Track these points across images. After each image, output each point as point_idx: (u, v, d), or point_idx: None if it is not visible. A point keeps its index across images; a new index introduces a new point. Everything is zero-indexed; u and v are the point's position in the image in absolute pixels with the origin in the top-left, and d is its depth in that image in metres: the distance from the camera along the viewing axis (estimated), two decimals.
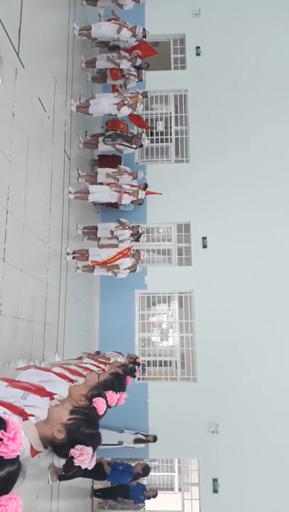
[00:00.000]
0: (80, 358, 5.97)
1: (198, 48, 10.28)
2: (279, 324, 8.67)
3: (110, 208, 8.78)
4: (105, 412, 2.17)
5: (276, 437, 8.25)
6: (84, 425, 1.67)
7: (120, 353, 6.25)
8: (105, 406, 2.15)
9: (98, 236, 7.71)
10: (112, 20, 8.17)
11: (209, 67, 10.09)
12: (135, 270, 7.68)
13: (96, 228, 7.71)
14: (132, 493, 8.02)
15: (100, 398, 2.11)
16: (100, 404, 2.08)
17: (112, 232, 7.58)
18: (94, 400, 2.10)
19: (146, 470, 7.76)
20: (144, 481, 9.42)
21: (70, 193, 6.68)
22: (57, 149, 6.11)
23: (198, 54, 10.28)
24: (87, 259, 7.06)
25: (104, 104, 7.28)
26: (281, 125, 9.66)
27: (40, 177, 5.37)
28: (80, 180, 7.52)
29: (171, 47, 10.61)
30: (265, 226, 9.12)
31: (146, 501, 8.43)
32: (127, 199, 7.35)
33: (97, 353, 6.26)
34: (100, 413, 2.12)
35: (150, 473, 9.93)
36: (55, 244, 6.06)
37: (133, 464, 8.22)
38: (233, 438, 8.34)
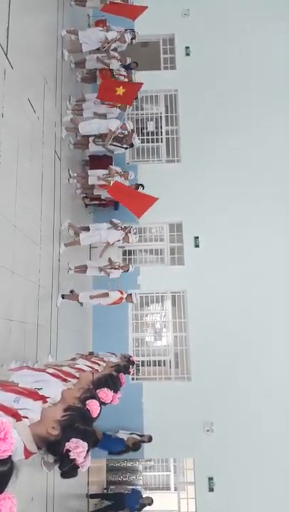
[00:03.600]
0: (74, 359, 5.96)
1: (187, 48, 10.31)
2: (271, 323, 8.72)
3: (102, 208, 8.76)
4: (99, 414, 2.16)
5: (271, 435, 8.29)
6: (78, 421, 1.66)
7: (113, 354, 6.24)
8: (99, 408, 2.14)
9: (90, 183, 7.66)
10: (102, 25, 8.18)
11: (199, 67, 10.12)
12: (128, 270, 7.68)
13: (88, 229, 7.68)
14: (128, 503, 7.96)
15: (94, 400, 2.10)
16: (93, 406, 2.07)
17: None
18: (87, 402, 2.09)
19: (136, 445, 7.77)
20: (139, 480, 9.41)
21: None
22: (47, 150, 6.08)
23: (187, 54, 10.31)
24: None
25: (97, 107, 7.37)
26: (271, 124, 9.72)
27: (30, 178, 5.34)
28: (71, 181, 7.50)
29: (161, 47, 10.63)
30: (257, 225, 9.16)
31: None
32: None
33: (91, 353, 6.25)
34: (94, 415, 2.11)
35: (146, 473, 9.92)
36: (46, 245, 6.03)
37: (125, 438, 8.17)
38: (228, 436, 8.37)
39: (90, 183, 7.63)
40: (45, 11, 6.54)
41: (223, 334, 8.60)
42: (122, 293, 6.92)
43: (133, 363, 5.88)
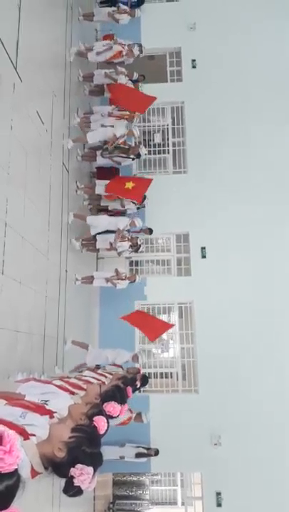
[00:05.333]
0: (80, 367, 5.91)
1: (193, 60, 10.40)
2: (281, 334, 8.61)
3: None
4: (107, 430, 2.13)
5: (280, 449, 8.13)
6: (85, 444, 1.62)
7: (120, 366, 6.18)
8: (106, 425, 2.10)
9: (97, 247, 7.70)
10: (110, 39, 8.31)
11: (205, 79, 10.19)
12: (134, 281, 7.68)
13: (95, 240, 7.71)
14: None
15: (101, 417, 2.07)
16: (100, 423, 2.03)
17: (110, 243, 7.57)
18: (94, 418, 2.05)
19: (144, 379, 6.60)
20: (146, 494, 9.23)
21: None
22: (55, 162, 6.14)
23: (194, 67, 10.39)
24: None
25: (105, 119, 7.46)
26: (278, 135, 9.73)
27: (38, 189, 5.39)
28: (79, 192, 7.54)
29: (167, 60, 10.74)
30: (265, 235, 9.12)
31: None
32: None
33: (97, 366, 6.19)
34: (101, 432, 2.07)
35: (152, 487, 9.77)
36: (54, 256, 6.05)
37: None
38: (236, 450, 8.22)
39: (96, 192, 7.67)
40: (53, 26, 6.66)
41: (232, 346, 8.50)
42: (131, 411, 6.93)
43: (143, 377, 5.77)
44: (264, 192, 9.36)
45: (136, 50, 8.08)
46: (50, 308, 5.79)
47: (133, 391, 4.03)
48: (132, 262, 9.69)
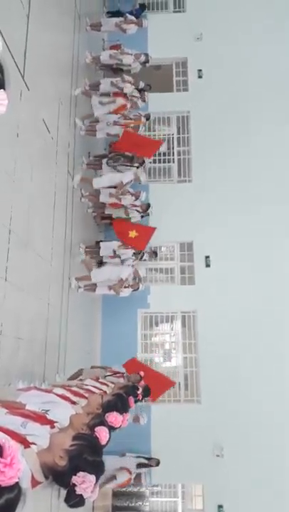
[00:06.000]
0: (80, 370, 5.84)
1: (200, 70, 10.47)
2: (285, 345, 8.54)
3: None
4: (108, 440, 2.10)
5: (283, 461, 8.03)
6: (87, 452, 1.60)
7: (122, 375, 6.12)
8: (108, 435, 2.08)
9: (100, 255, 7.70)
10: (117, 49, 8.40)
11: (211, 89, 10.25)
12: (138, 289, 7.65)
13: (98, 247, 7.71)
14: None
15: (103, 427, 2.04)
16: (102, 433, 2.01)
17: (114, 251, 7.57)
18: (96, 429, 2.03)
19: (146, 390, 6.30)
20: (146, 506, 9.11)
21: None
22: (60, 170, 6.16)
23: (200, 77, 10.47)
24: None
25: (110, 128, 7.51)
26: (283, 145, 9.75)
27: (43, 197, 5.40)
28: (83, 200, 7.56)
29: (174, 70, 10.82)
30: (269, 245, 9.09)
31: None
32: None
33: (98, 378, 6.13)
34: (103, 443, 2.05)
35: (153, 499, 9.66)
36: (57, 263, 6.04)
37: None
38: (239, 462, 8.12)
39: (100, 200, 7.69)
40: (61, 35, 6.72)
41: (234, 356, 8.43)
42: (130, 473, 6.95)
43: (145, 388, 5.72)
44: (269, 202, 9.36)
45: (140, 102, 8.10)
46: (53, 316, 5.77)
47: (135, 402, 4.00)
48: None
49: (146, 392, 5.29)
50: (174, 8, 11.23)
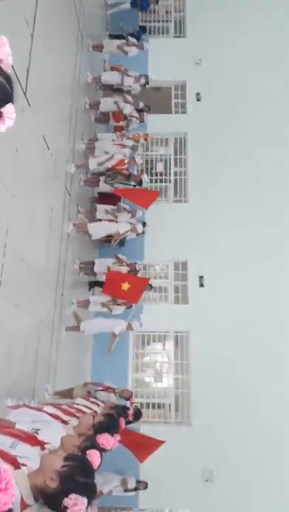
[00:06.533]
0: (72, 389, 5.75)
1: (198, 94, 10.67)
2: (280, 368, 8.47)
3: (108, 243, 8.78)
4: (100, 464, 2.04)
5: (274, 488, 7.87)
6: (79, 473, 1.55)
7: (113, 390, 6.03)
8: (99, 459, 2.02)
9: (95, 271, 7.67)
10: (116, 71, 8.57)
11: (209, 112, 10.43)
12: (131, 307, 7.61)
13: (93, 263, 7.69)
14: None
15: (94, 450, 1.99)
16: (94, 457, 1.95)
17: (108, 268, 7.55)
18: (88, 452, 1.97)
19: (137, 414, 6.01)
20: None
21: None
22: (58, 185, 6.19)
23: (198, 100, 10.65)
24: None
25: (109, 147, 7.54)
26: (279, 169, 9.89)
27: (40, 212, 5.40)
28: (80, 216, 7.58)
29: (173, 92, 11.01)
30: (264, 267, 9.11)
31: None
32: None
33: (89, 392, 6.05)
34: (94, 467, 1.99)
35: None
36: (51, 279, 6.01)
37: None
38: (228, 488, 7.95)
39: (97, 216, 7.71)
40: (64, 55, 6.84)
41: (227, 379, 8.32)
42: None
43: (132, 404, 5.66)
44: (264, 224, 9.43)
45: (138, 159, 8.04)
46: (44, 333, 5.70)
47: (125, 424, 3.91)
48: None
49: (137, 415, 5.20)
50: (174, 33, 11.52)
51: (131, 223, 7.56)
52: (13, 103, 1.15)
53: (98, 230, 7.30)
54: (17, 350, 4.70)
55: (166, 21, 11.69)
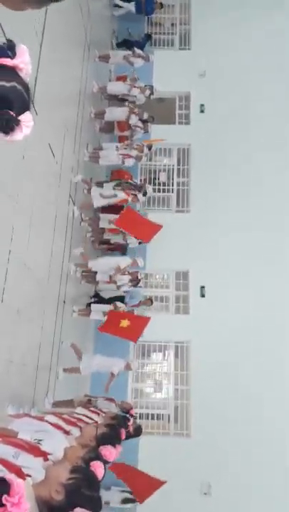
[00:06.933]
0: (71, 400, 5.70)
1: (202, 105, 10.75)
2: (282, 379, 8.40)
3: (111, 252, 8.80)
4: (104, 475, 2.01)
5: (276, 496, 7.75)
6: (84, 486, 1.52)
7: (112, 400, 5.99)
8: (103, 471, 2.00)
9: (97, 280, 7.66)
10: (123, 81, 8.65)
11: (212, 124, 10.49)
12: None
13: (95, 272, 7.67)
14: None
15: (99, 462, 1.96)
16: (98, 469, 1.92)
17: (110, 276, 7.54)
18: (92, 463, 1.94)
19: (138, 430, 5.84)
20: None
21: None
22: (62, 193, 6.21)
23: (202, 111, 10.73)
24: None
25: (114, 156, 7.55)
26: (280, 181, 9.92)
27: (44, 219, 5.41)
28: (83, 224, 7.59)
29: (177, 103, 11.10)
30: (266, 277, 9.09)
31: None
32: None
33: (89, 401, 6.00)
34: (98, 479, 1.96)
35: None
36: (53, 287, 6.00)
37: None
38: (227, 501, 7.84)
39: (100, 225, 7.72)
40: (71, 64, 6.91)
41: (228, 391, 8.25)
42: None
43: (132, 416, 5.61)
44: (266, 235, 9.43)
45: (140, 197, 7.92)
46: (45, 340, 5.67)
47: (126, 438, 3.85)
48: (129, 291, 9.59)
49: (138, 432, 5.14)
50: (179, 45, 11.64)
51: (130, 281, 7.42)
52: (30, 111, 1.16)
53: (99, 265, 7.20)
54: (18, 358, 4.67)
55: (172, 34, 11.82)
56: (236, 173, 10.08)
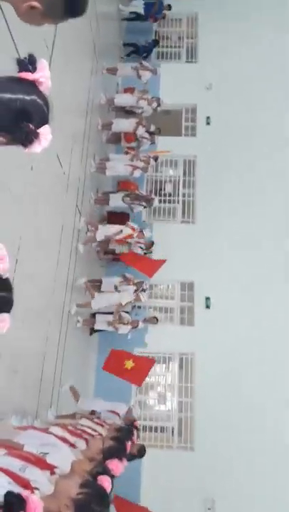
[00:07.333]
0: (74, 414, 5.65)
1: (208, 117, 10.82)
2: (287, 388, 8.30)
3: (115, 262, 8.79)
4: (111, 490, 1.98)
5: (281, 509, 7.61)
6: (94, 501, 1.50)
7: (117, 414, 5.92)
8: (111, 485, 1.97)
9: (102, 290, 7.64)
10: (131, 93, 8.76)
11: (218, 136, 10.55)
12: (137, 326, 7.55)
13: (100, 282, 7.67)
14: None
15: (106, 477, 1.93)
16: (105, 483, 1.89)
17: (116, 286, 7.52)
18: (99, 477, 1.91)
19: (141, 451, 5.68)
20: None
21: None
22: (69, 204, 6.23)
23: (208, 123, 10.80)
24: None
25: (120, 167, 7.60)
26: (284, 191, 9.94)
27: (51, 230, 5.43)
28: (89, 234, 7.60)
29: (183, 115, 11.19)
30: (271, 290, 9.05)
31: None
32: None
33: (92, 412, 5.95)
34: (108, 493, 1.93)
35: None
36: (58, 297, 5.99)
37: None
38: None
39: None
40: (79, 76, 6.99)
41: (233, 403, 8.16)
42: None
43: (137, 428, 5.55)
44: (271, 246, 9.41)
45: (147, 232, 7.98)
46: (49, 351, 5.65)
47: (129, 460, 3.79)
48: (134, 307, 9.56)
49: (142, 452, 5.06)
50: (186, 58, 11.78)
51: (135, 291, 7.35)
52: (49, 125, 1.17)
53: (100, 301, 7.11)
54: (22, 368, 4.65)
55: (179, 47, 11.96)
56: (241, 185, 10.11)
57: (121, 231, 7.45)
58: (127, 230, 7.50)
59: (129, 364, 6.40)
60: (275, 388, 8.33)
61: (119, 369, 6.46)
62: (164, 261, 7.92)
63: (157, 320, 7.94)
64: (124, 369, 6.37)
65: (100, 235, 7.29)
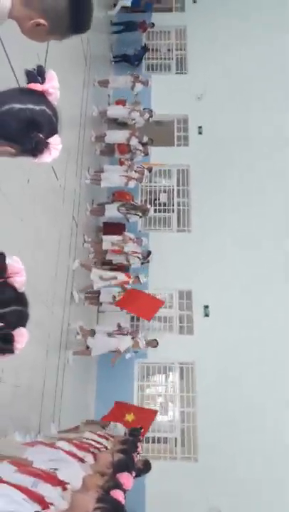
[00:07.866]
0: (77, 427, 5.58)
1: (200, 127, 10.93)
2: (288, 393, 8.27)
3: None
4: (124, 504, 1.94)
5: None
6: None
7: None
8: (124, 500, 1.93)
9: (100, 301, 7.61)
10: (122, 105, 8.84)
11: (210, 145, 10.65)
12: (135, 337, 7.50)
13: (99, 293, 7.64)
14: None
15: (119, 491, 1.90)
16: (119, 497, 1.86)
17: (114, 297, 7.50)
18: (112, 492, 1.87)
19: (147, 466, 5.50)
20: None
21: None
22: (66, 215, 6.23)
23: (200, 133, 10.91)
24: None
25: (115, 178, 7.62)
26: (281, 198, 10.01)
27: (48, 241, 5.42)
28: (85, 245, 7.60)
29: (175, 126, 11.29)
30: (271, 290, 9.06)
31: None
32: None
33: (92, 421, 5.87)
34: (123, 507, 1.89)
35: None
36: (57, 310, 5.95)
37: None
38: None
39: (104, 248, 7.74)
40: (71, 89, 7.04)
41: (235, 412, 8.10)
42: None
43: (140, 440, 5.47)
44: (268, 253, 9.45)
45: (142, 278, 7.89)
46: (50, 364, 5.60)
47: (137, 475, 3.74)
48: (134, 317, 9.52)
49: (148, 467, 5.00)
50: (176, 70, 11.93)
51: (133, 338, 7.29)
52: (58, 135, 1.17)
53: (99, 345, 6.99)
54: (24, 383, 4.59)
55: (168, 59, 12.12)
56: (235, 192, 10.18)
57: (116, 277, 7.37)
58: (121, 277, 7.44)
59: (130, 417, 6.22)
60: (280, 395, 8.27)
61: (120, 420, 6.24)
62: (162, 302, 8.04)
63: (157, 343, 7.78)
64: (124, 421, 6.17)
65: (96, 283, 7.25)
